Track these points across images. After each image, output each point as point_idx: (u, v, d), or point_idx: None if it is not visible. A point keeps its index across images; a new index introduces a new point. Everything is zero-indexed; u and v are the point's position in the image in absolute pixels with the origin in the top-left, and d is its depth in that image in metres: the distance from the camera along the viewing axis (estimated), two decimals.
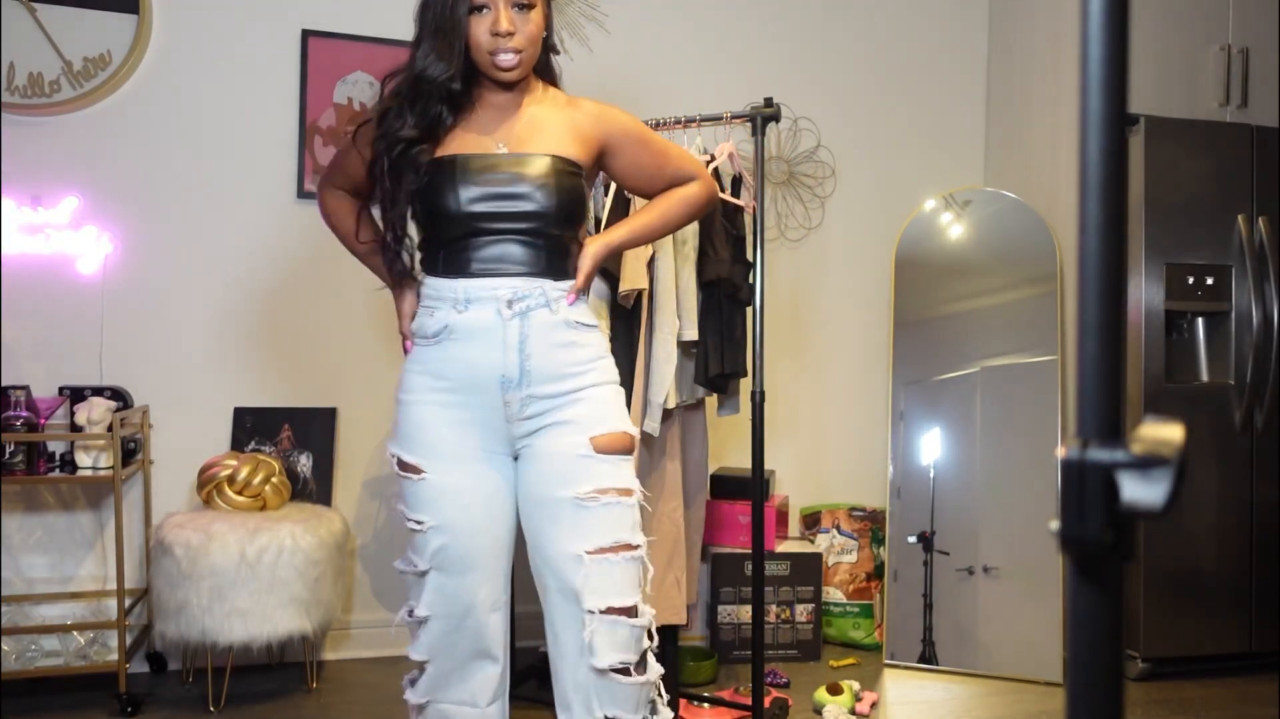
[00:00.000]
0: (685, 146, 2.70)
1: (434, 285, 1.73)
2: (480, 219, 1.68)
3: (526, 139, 1.73)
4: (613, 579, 1.67)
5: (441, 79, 1.67)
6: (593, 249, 1.78)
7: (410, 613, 1.76)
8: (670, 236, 2.45)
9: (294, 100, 3.19)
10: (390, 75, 1.75)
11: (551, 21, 1.79)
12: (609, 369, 1.78)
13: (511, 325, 1.67)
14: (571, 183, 1.71)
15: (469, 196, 1.67)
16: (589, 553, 1.67)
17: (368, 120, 1.76)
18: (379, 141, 1.72)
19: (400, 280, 1.81)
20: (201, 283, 3.12)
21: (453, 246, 1.71)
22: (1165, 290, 3.17)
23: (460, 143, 1.72)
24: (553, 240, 1.71)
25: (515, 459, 1.77)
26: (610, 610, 1.66)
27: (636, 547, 1.70)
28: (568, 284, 1.73)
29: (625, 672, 1.66)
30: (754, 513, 2.52)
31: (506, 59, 1.69)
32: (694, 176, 1.90)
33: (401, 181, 1.70)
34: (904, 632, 3.28)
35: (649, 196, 1.94)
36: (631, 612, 1.68)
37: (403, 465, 1.73)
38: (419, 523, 1.71)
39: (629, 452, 1.74)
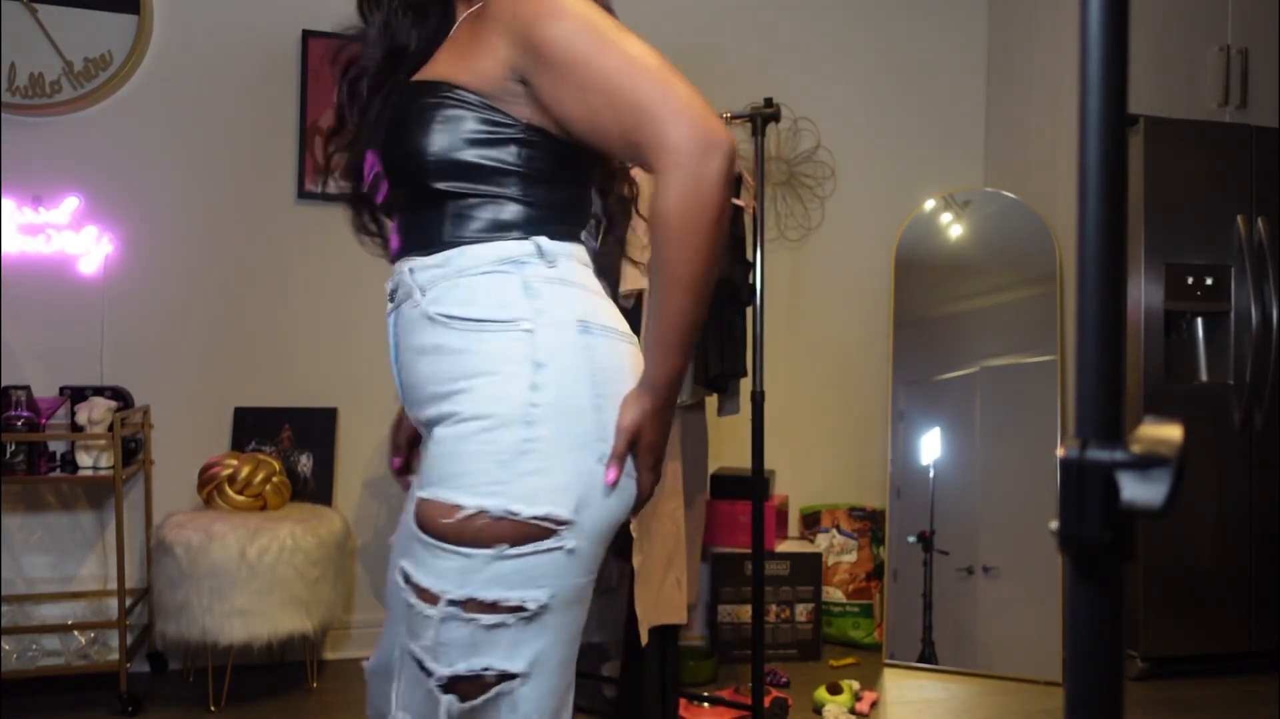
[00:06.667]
0: None
1: None
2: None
3: (429, 66, 1.24)
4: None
5: None
6: (629, 419, 1.19)
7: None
8: None
9: (294, 100, 3.19)
10: None
11: None
12: (489, 394, 1.12)
13: (390, 324, 1.24)
14: (437, 114, 1.16)
15: None
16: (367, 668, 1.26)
17: None
18: None
19: None
20: (201, 283, 3.12)
21: None
22: (1165, 290, 3.17)
23: None
24: (422, 198, 1.19)
25: None
26: None
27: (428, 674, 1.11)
28: (439, 258, 1.17)
29: None
30: (754, 513, 2.52)
31: None
32: (655, 166, 1.10)
33: None
34: (904, 631, 3.28)
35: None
36: None
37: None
38: None
39: (461, 536, 1.09)
